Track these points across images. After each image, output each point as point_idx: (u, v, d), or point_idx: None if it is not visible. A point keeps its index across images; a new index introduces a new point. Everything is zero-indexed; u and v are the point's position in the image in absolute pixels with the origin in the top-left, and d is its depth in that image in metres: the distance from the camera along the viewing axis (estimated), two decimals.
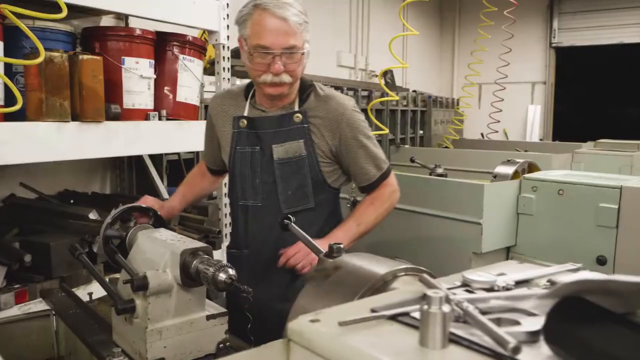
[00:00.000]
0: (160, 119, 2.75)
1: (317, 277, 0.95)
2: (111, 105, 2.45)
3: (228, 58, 3.07)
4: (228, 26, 3.01)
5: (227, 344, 1.47)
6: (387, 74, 6.69)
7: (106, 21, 3.32)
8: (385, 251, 2.07)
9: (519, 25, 6.43)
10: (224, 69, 3.04)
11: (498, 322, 0.64)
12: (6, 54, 2.15)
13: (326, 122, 1.93)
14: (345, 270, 0.94)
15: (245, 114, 2.00)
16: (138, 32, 2.67)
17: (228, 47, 3.06)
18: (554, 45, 8.28)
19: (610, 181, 2.45)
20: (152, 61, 2.73)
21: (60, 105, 2.18)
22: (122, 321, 1.48)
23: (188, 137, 2.85)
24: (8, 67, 2.25)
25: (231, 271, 1.33)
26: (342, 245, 1.28)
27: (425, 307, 0.61)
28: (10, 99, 2.19)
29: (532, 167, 3.08)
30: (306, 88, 1.99)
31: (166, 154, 3.49)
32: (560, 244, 2.53)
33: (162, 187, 3.45)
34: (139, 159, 3.48)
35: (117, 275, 2.27)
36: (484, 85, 8.07)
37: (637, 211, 2.31)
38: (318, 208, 1.97)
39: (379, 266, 0.94)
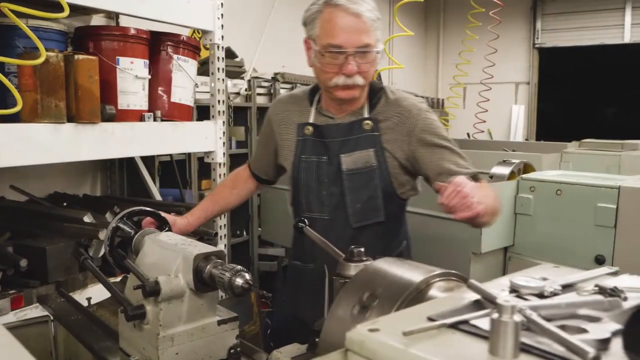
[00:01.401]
0: (155, 119, 2.70)
1: (348, 286, 0.93)
2: (106, 106, 2.41)
3: (222, 58, 3.03)
4: (222, 26, 2.98)
5: (238, 349, 1.45)
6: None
7: (96, 20, 3.25)
8: None
9: (503, 26, 6.47)
10: (218, 69, 3.00)
11: (563, 329, 0.63)
12: None
13: (399, 126, 1.79)
14: (379, 277, 0.92)
15: (311, 120, 1.87)
16: (133, 31, 2.61)
17: (222, 47, 3.02)
18: (537, 46, 8.36)
19: (608, 181, 2.47)
20: (147, 61, 2.68)
21: (56, 106, 2.13)
22: (131, 327, 1.44)
23: (183, 138, 2.82)
24: (0, 67, 2.19)
25: (247, 276, 1.30)
26: (362, 249, 1.25)
27: (496, 315, 0.60)
28: (3, 100, 2.13)
29: (527, 168, 3.10)
30: (376, 92, 1.85)
31: (158, 155, 3.42)
32: (559, 243, 2.54)
33: (154, 189, 3.39)
34: (130, 160, 3.41)
35: (113, 279, 2.23)
36: (468, 85, 8.11)
37: (635, 211, 2.33)
38: (388, 221, 1.83)
39: (412, 272, 0.92)
